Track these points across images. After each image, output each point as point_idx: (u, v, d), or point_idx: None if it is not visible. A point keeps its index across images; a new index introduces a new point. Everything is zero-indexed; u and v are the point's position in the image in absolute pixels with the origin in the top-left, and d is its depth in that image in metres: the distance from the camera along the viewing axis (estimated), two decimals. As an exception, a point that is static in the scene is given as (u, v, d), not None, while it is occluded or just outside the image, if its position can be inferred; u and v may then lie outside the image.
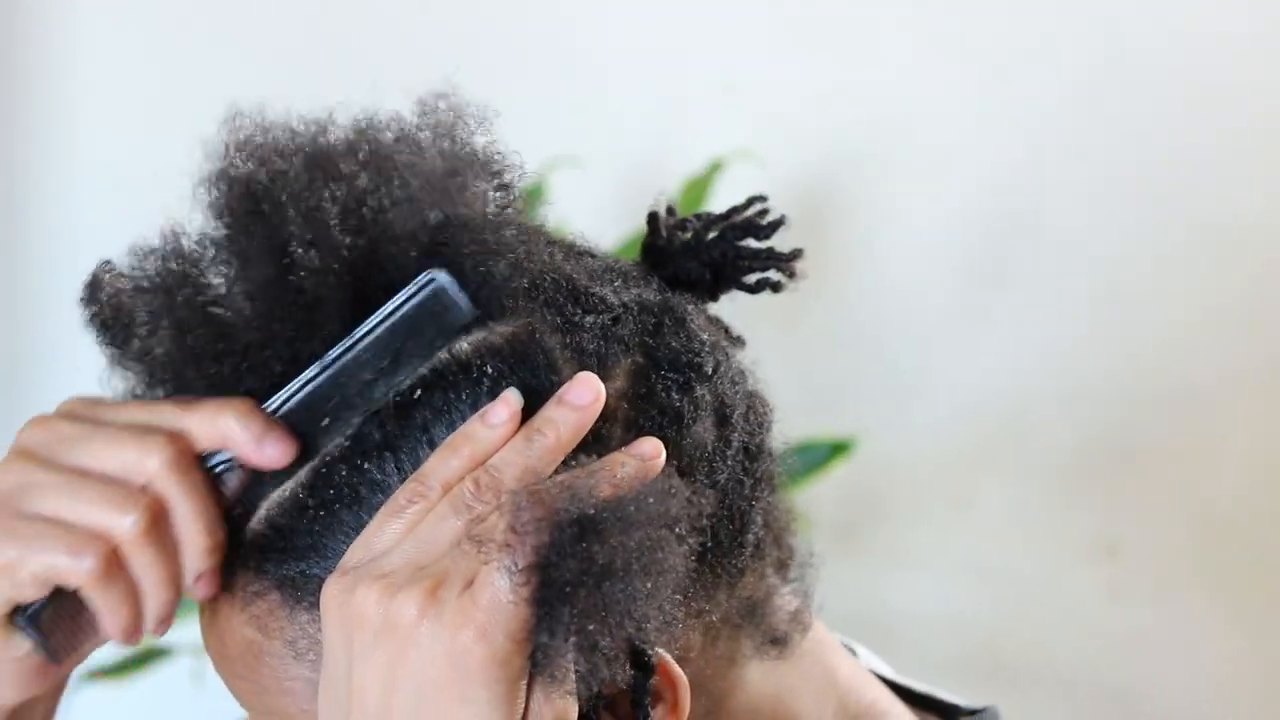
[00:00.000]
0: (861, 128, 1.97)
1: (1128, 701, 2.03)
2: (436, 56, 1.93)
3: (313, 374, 0.71)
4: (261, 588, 0.71)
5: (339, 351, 0.71)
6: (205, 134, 0.73)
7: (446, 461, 0.68)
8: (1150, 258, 1.97)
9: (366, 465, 0.70)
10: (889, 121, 1.97)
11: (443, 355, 0.70)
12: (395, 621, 0.64)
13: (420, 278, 0.71)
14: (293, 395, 0.71)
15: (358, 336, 0.70)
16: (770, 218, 0.80)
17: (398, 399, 0.70)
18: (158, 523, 0.70)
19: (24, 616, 0.71)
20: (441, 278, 0.71)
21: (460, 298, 0.71)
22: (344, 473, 0.70)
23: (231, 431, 0.70)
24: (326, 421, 0.71)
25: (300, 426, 0.71)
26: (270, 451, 0.70)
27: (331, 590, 0.66)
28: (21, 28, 1.95)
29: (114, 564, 0.70)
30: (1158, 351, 1.99)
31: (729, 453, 0.74)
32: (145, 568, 0.70)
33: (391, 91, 0.77)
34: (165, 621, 0.71)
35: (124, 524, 0.69)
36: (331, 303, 0.70)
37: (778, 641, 0.77)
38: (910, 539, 2.02)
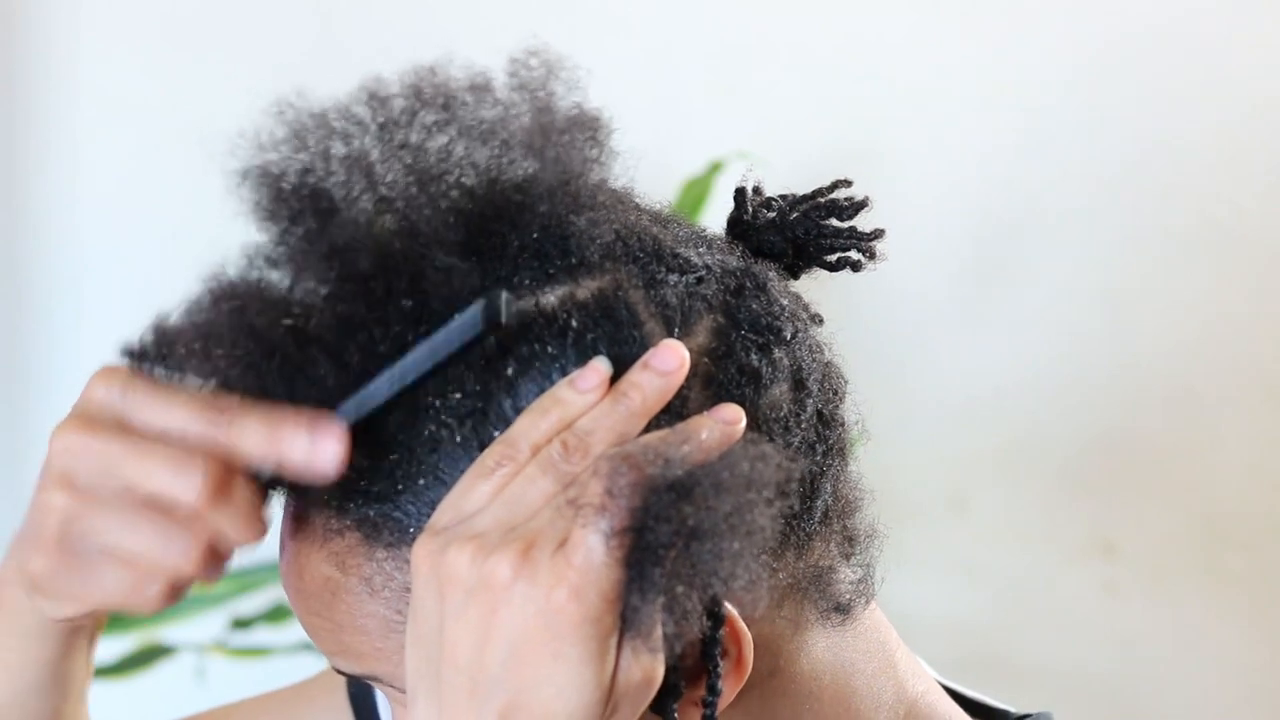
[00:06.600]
0: (861, 128, 1.98)
1: (1125, 700, 2.04)
2: (434, 58, 1.93)
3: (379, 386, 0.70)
4: (341, 526, 0.72)
5: (399, 368, 0.70)
6: (234, 130, 0.71)
7: (535, 424, 0.69)
8: (1150, 257, 1.97)
9: (450, 418, 0.70)
10: (888, 122, 1.98)
11: (530, 308, 0.71)
12: (489, 581, 0.66)
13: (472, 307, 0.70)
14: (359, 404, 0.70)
15: (411, 362, 0.70)
16: (855, 200, 0.82)
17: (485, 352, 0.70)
18: (212, 547, 0.72)
19: None
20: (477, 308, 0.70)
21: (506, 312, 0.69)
22: (430, 421, 0.70)
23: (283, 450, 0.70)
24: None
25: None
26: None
27: (423, 550, 0.67)
28: (22, 29, 1.96)
29: (177, 591, 0.73)
30: (1156, 352, 1.99)
31: (803, 417, 0.76)
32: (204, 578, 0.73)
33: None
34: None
35: (182, 561, 0.72)
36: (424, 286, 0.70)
37: (841, 609, 0.78)
38: (908, 538, 2.02)
